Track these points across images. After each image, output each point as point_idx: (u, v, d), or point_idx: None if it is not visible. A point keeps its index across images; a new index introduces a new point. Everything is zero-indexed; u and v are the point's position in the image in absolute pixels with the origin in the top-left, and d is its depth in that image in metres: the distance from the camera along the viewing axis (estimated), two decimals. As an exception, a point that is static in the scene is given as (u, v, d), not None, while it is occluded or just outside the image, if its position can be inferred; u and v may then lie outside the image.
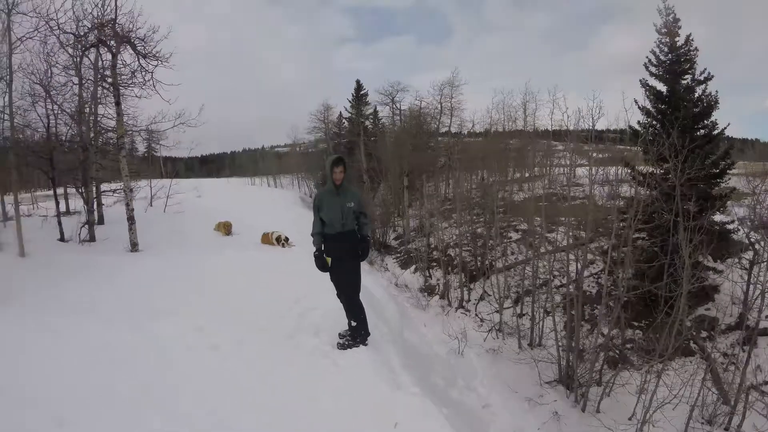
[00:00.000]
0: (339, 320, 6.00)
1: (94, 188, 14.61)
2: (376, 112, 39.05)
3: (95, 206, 14.36)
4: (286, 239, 13.38)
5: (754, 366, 10.35)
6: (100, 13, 11.75)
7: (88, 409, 3.93)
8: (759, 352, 10.71)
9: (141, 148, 30.90)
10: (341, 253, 5.48)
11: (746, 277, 11.91)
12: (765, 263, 10.79)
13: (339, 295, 5.72)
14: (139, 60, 12.13)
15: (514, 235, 19.38)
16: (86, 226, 12.55)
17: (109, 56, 12.17)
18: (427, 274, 19.10)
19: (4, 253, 9.98)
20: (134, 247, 11.64)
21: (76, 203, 15.82)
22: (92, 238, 12.52)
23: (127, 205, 11.97)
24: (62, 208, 14.90)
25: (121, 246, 11.58)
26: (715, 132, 13.89)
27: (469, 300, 16.56)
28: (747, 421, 8.44)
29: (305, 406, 4.35)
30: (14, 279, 8.13)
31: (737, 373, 9.95)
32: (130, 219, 11.78)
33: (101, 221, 14.87)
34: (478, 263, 18.07)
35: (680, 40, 14.22)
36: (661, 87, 14.62)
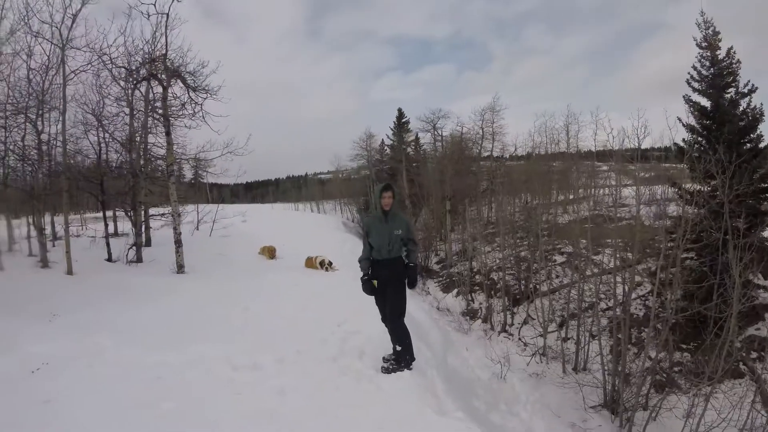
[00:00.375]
0: (382, 345, 6.04)
1: (143, 212, 15.18)
2: (417, 138, 39.48)
3: (143, 229, 14.90)
4: (330, 263, 13.54)
5: (805, 387, 9.82)
6: (151, 49, 12.42)
7: (131, 427, 4.05)
8: (809, 373, 10.16)
9: (188, 174, 32.02)
10: (387, 277, 5.59)
11: (797, 295, 11.37)
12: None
13: (383, 320, 5.80)
14: (189, 93, 12.72)
15: (559, 258, 19.00)
16: (134, 247, 13.02)
17: (159, 89, 12.79)
18: (470, 298, 18.90)
19: (52, 270, 10.45)
20: (180, 269, 12.01)
21: (125, 226, 16.47)
22: (139, 260, 12.99)
23: (175, 228, 12.40)
24: (111, 230, 15.52)
25: (168, 268, 11.95)
26: (762, 145, 13.40)
27: (512, 324, 16.28)
28: (798, 444, 7.97)
29: (347, 427, 4.36)
30: (61, 296, 8.50)
31: (788, 395, 9.46)
32: (177, 242, 12.18)
33: (148, 243, 15.42)
34: (522, 287, 17.79)
35: (721, 53, 13.84)
36: (705, 102, 14.23)
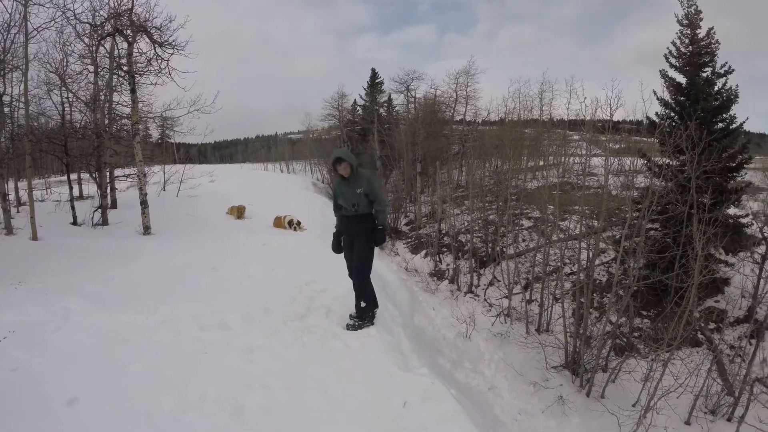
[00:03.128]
0: (349, 303, 6.12)
1: (108, 173, 14.77)
2: (390, 99, 39.12)
3: (108, 191, 14.52)
4: (298, 223, 13.47)
5: (760, 359, 10.34)
6: (116, 3, 11.85)
7: (99, 389, 4.02)
8: (766, 346, 10.69)
9: (155, 134, 31.24)
10: (355, 234, 5.70)
11: (758, 271, 11.83)
12: (777, 258, 10.74)
13: (350, 275, 5.86)
14: (155, 48, 12.20)
15: (526, 223, 19.35)
16: (99, 210, 12.71)
17: (125, 45, 12.28)
18: (438, 260, 19.13)
19: (16, 237, 10.13)
20: (147, 230, 11.77)
21: (90, 188, 16.05)
22: (105, 222, 12.70)
23: (140, 189, 12.09)
24: (75, 193, 15.14)
25: (134, 230, 11.69)
26: (734, 126, 13.68)
27: (478, 285, 16.59)
28: (750, 412, 8.43)
29: (315, 385, 4.42)
30: (26, 263, 8.25)
31: (743, 366, 9.95)
32: (143, 203, 11.90)
33: (114, 205, 15.08)
34: (489, 249, 18.08)
35: (702, 32, 13.95)
36: (681, 79, 14.39)
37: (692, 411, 9.24)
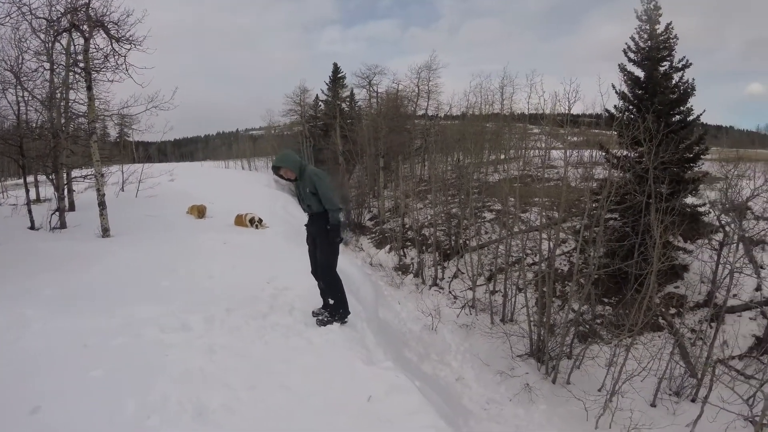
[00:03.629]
0: (312, 300, 6.03)
1: (65, 175, 14.25)
2: (352, 94, 38.94)
3: (66, 193, 14.02)
4: (260, 220, 13.23)
5: (720, 341, 10.69)
6: None
7: (62, 396, 3.88)
8: (726, 329, 11.04)
9: (113, 133, 30.30)
10: (314, 231, 5.68)
11: (715, 258, 12.21)
12: (734, 245, 11.09)
13: (313, 272, 5.82)
14: (112, 44, 11.76)
15: (488, 215, 19.54)
16: (57, 213, 12.26)
17: (81, 41, 11.80)
18: (402, 254, 19.17)
19: None
20: (105, 232, 11.33)
21: (47, 191, 15.46)
22: (63, 225, 12.22)
23: (98, 190, 11.63)
24: (32, 195, 14.58)
25: (93, 232, 11.28)
26: (690, 118, 14.04)
27: (442, 278, 16.69)
28: (714, 393, 8.68)
29: (278, 382, 4.33)
30: None
31: (704, 348, 10.27)
32: (101, 204, 11.44)
33: (72, 208, 14.54)
34: (452, 242, 18.20)
35: (660, 28, 14.25)
36: (639, 73, 14.68)
37: (657, 393, 9.49)
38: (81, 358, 4.52)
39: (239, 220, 13.37)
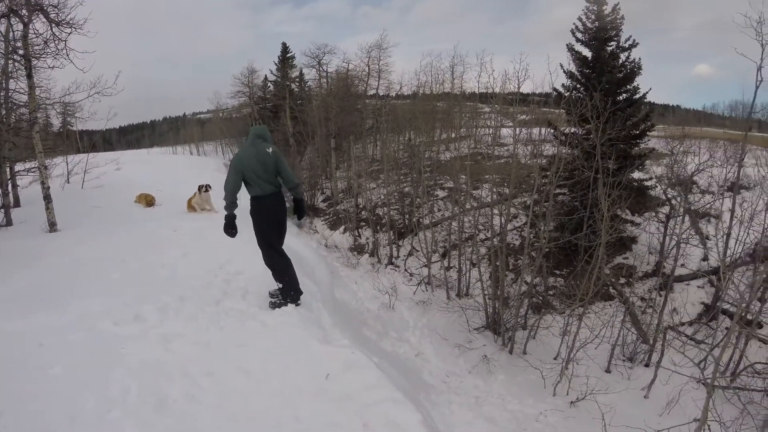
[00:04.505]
0: (266, 283, 6.00)
1: (8, 169, 13.54)
2: (302, 74, 38.17)
3: (10, 188, 13.33)
4: (208, 186, 12.78)
5: (670, 309, 11.22)
6: None
7: (22, 399, 3.81)
8: (675, 297, 11.60)
9: (56, 122, 28.79)
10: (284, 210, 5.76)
11: (663, 230, 12.74)
12: (680, 217, 11.57)
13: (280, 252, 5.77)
14: (51, 28, 11.16)
15: (441, 193, 19.72)
16: (1, 209, 11.67)
17: (20, 26, 11.15)
18: (357, 234, 19.15)
19: None
20: (52, 227, 10.84)
21: None
22: (9, 222, 11.62)
23: (43, 183, 11.09)
24: None
25: (39, 227, 10.80)
26: (637, 96, 14.48)
27: (398, 256, 16.79)
28: (665, 358, 9.11)
29: (235, 366, 4.36)
30: None
31: (655, 316, 10.74)
32: (47, 198, 10.91)
33: (17, 203, 13.82)
34: (406, 221, 18.31)
35: (607, 9, 14.56)
36: (587, 53, 15.01)
37: (611, 360, 9.92)
38: (38, 357, 4.46)
39: (190, 205, 12.99)
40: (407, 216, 18.49)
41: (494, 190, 15.72)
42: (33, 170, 14.29)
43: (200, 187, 12.61)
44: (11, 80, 13.22)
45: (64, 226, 10.83)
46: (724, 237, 10.89)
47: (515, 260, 14.43)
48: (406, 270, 15.87)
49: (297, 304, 5.68)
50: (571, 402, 8.58)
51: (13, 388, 3.96)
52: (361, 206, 20.59)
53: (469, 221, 14.91)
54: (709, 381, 5.35)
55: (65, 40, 11.20)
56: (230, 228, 5.53)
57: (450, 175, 18.89)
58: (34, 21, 10.95)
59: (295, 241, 10.09)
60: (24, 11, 10.76)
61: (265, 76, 40.51)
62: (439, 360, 10.39)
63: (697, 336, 10.69)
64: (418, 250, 16.48)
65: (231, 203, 5.43)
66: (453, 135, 27.25)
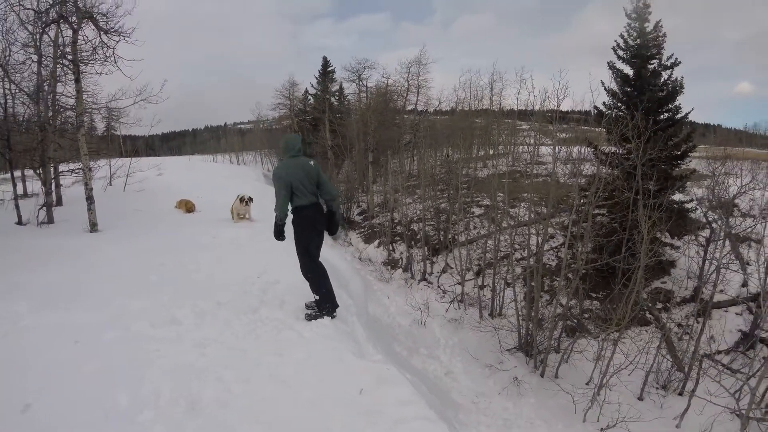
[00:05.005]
0: (303, 293, 6.00)
1: (52, 169, 14.01)
2: (342, 89, 38.64)
3: (53, 187, 13.76)
4: (250, 198, 13.01)
5: (707, 336, 10.85)
6: None
7: (53, 393, 3.87)
8: (712, 324, 11.19)
9: (100, 126, 29.82)
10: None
11: (702, 254, 12.37)
12: (721, 241, 11.22)
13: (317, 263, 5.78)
14: (100, 36, 11.60)
15: (477, 210, 19.59)
16: (44, 208, 12.10)
17: (69, 33, 11.62)
18: (391, 248, 19.19)
19: None
20: (93, 227, 11.20)
21: (34, 185, 15.22)
22: (50, 220, 12.05)
23: (86, 184, 11.47)
24: (20, 190, 14.32)
25: (80, 227, 11.17)
26: (678, 116, 14.11)
27: (431, 273, 16.74)
28: (700, 386, 8.82)
29: (269, 374, 4.35)
30: None
31: (691, 343, 10.43)
32: (89, 199, 11.29)
33: (60, 202, 14.30)
34: (441, 237, 18.25)
35: (649, 26, 14.32)
36: (628, 70, 14.76)
37: (644, 387, 9.63)
38: (72, 353, 4.51)
39: (232, 211, 13.14)
40: (442, 232, 18.43)
41: (532, 209, 15.52)
42: (77, 171, 14.78)
43: (242, 199, 12.83)
44: (59, 84, 13.74)
45: (105, 227, 11.16)
46: (765, 263, 10.49)
47: (551, 281, 14.21)
48: (439, 287, 15.79)
49: (333, 317, 5.68)
50: (602, 429, 8.40)
51: (44, 382, 4.02)
52: (396, 221, 20.62)
53: (505, 240, 14.74)
54: (744, 412, 5.15)
55: (113, 48, 11.62)
56: (280, 234, 5.62)
57: (487, 193, 18.78)
58: (84, 28, 11.40)
59: (331, 253, 10.16)
60: (74, 18, 11.21)
61: (306, 89, 41.15)
62: (468, 379, 10.27)
63: (734, 365, 10.29)
64: (452, 267, 16.39)
65: (284, 215, 5.48)
66: (491, 152, 27.13)
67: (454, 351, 11.50)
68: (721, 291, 11.87)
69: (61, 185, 14.99)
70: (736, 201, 13.91)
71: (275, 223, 5.53)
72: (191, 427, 3.64)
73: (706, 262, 12.00)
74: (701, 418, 8.07)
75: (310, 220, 5.57)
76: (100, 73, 12.18)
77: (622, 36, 14.71)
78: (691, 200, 14.49)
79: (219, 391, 4.06)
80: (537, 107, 14.02)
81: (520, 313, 11.76)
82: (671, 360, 10.16)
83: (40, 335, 4.89)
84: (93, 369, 4.24)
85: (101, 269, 7.59)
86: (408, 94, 32.49)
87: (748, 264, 12.78)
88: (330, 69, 38.55)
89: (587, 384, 9.68)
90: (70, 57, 11.74)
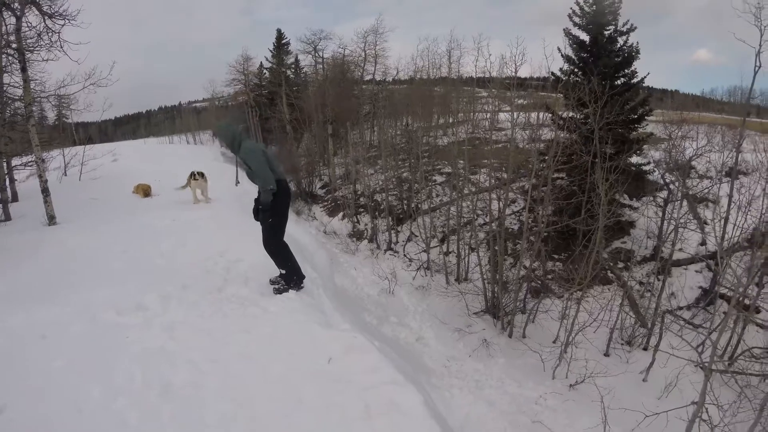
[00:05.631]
0: (267, 269, 6.02)
1: (5, 164, 13.45)
2: (297, 61, 37.82)
3: (7, 183, 13.26)
4: (200, 174, 12.71)
5: (668, 293, 11.33)
6: None
7: (26, 392, 3.82)
8: (673, 281, 11.70)
9: (51, 115, 28.66)
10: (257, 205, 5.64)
11: (661, 214, 12.80)
12: (678, 201, 11.63)
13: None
14: (44, 21, 11.05)
15: (439, 178, 19.76)
16: (0, 205, 11.64)
17: (13, 20, 11.02)
18: (355, 220, 19.20)
19: None
20: (51, 220, 10.79)
21: None
22: (7, 217, 11.58)
23: (40, 176, 11.01)
24: None
25: (39, 221, 10.76)
26: (635, 81, 14.40)
27: (397, 242, 16.87)
28: (663, 341, 9.18)
29: (238, 352, 4.38)
30: None
31: (653, 300, 10.85)
32: (45, 191, 10.84)
33: (15, 198, 13.74)
34: (405, 206, 18.36)
35: (605, -7, 14.43)
36: (584, 36, 14.90)
37: (609, 343, 10.03)
38: (40, 350, 4.46)
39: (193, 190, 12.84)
40: (406, 201, 18.54)
41: (492, 174, 15.73)
42: (30, 164, 14.19)
43: (192, 175, 12.51)
44: (5, 74, 13.13)
45: (63, 218, 10.80)
46: (722, 222, 10.92)
47: (514, 245, 14.51)
48: (405, 255, 15.94)
49: (300, 288, 5.72)
50: (570, 385, 8.69)
51: (16, 382, 3.96)
52: (359, 192, 20.59)
53: (468, 206, 14.93)
54: (707, 365, 5.40)
55: (59, 32, 11.12)
56: (271, 211, 5.46)
57: (448, 160, 18.91)
58: (27, 14, 10.85)
59: (294, 228, 10.10)
60: (16, 4, 10.65)
61: (261, 63, 40.16)
62: (439, 344, 10.48)
63: (695, 320, 10.80)
64: (417, 236, 16.53)
65: (274, 189, 5.30)
66: (450, 120, 27.20)
67: (423, 317, 11.69)
68: (680, 249, 12.38)
69: (16, 180, 14.42)
70: (693, 163, 14.37)
71: (264, 201, 5.38)
72: (166, 410, 3.67)
73: (665, 222, 12.44)
74: (666, 371, 8.42)
75: (286, 194, 5.57)
76: (47, 60, 11.66)
77: (577, 2, 14.79)
78: (649, 162, 14.91)
79: (190, 373, 4.09)
80: (495, 74, 14.01)
81: (485, 276, 11.99)
82: (634, 316, 10.57)
83: (6, 335, 4.75)
84: (63, 363, 4.19)
85: (63, 262, 7.38)
86: (365, 64, 32.09)
87: (705, 223, 13.30)
88: (285, 41, 37.57)
89: (554, 342, 10.00)
90: (14, 45, 11.19)
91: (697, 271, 12.36)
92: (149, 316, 5.10)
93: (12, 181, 14.05)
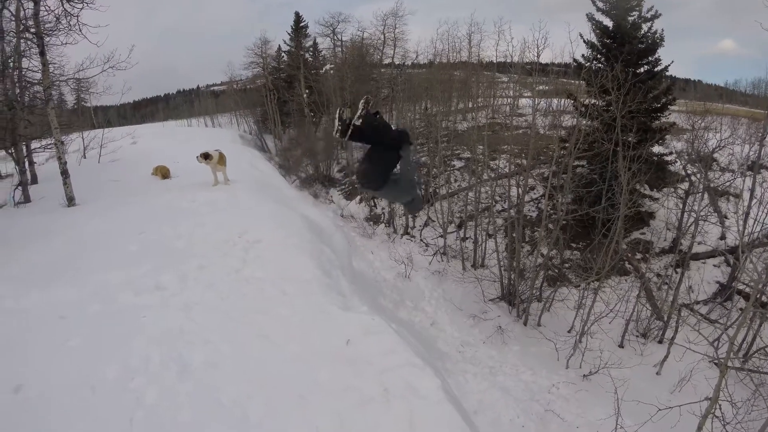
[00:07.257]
0: (286, 250, 6.12)
1: (25, 147, 13.59)
2: (315, 44, 37.60)
3: (27, 165, 13.37)
4: (206, 155, 12.48)
5: (686, 286, 11.21)
6: None
7: (43, 371, 3.89)
8: (691, 275, 11.57)
9: (70, 99, 28.90)
10: None
11: (681, 206, 12.62)
12: (699, 194, 11.46)
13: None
14: (63, 4, 11.08)
15: (458, 163, 19.64)
16: (20, 187, 11.78)
17: (31, 5, 11.06)
18: (372, 204, 19.19)
19: None
20: (71, 201, 10.92)
21: (7, 166, 14.76)
22: (27, 199, 11.71)
23: (59, 158, 11.11)
24: None
25: (58, 203, 10.89)
26: (658, 69, 14.10)
27: (414, 226, 16.86)
28: (679, 335, 9.13)
29: (255, 332, 4.43)
30: None
31: (670, 293, 10.77)
32: (64, 173, 10.96)
33: (35, 180, 13.87)
34: (422, 191, 18.27)
35: (630, -23, 14.11)
36: (608, 22, 14.60)
37: (624, 334, 10.01)
38: (58, 330, 4.52)
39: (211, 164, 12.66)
40: (423, 186, 18.46)
41: (512, 161, 15.61)
42: (49, 146, 14.31)
43: (205, 156, 12.22)
44: (24, 59, 13.23)
45: (82, 200, 10.93)
46: (743, 216, 10.76)
47: (532, 232, 14.44)
48: (421, 240, 15.94)
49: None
50: (584, 375, 8.72)
51: (33, 361, 4.04)
52: (377, 175, 20.50)
53: (486, 192, 14.85)
54: (722, 360, 5.37)
55: (77, 16, 11.14)
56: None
57: (467, 145, 18.79)
58: (45, -2, 10.91)
59: (312, 211, 10.14)
60: None
61: (279, 46, 39.98)
62: (454, 329, 10.54)
63: (712, 315, 10.70)
64: (434, 221, 16.50)
65: None
66: (470, 104, 26.96)
67: (438, 302, 11.72)
68: (700, 243, 12.22)
69: (35, 162, 14.58)
70: (715, 155, 14.12)
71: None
72: (184, 389, 3.75)
73: (685, 214, 12.27)
74: (680, 365, 8.42)
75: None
76: (66, 44, 11.66)
77: (601, -14, 14.49)
78: (671, 153, 14.66)
79: (208, 353, 4.16)
80: (516, 58, 13.82)
81: (502, 263, 11.99)
82: (651, 309, 10.52)
83: (24, 315, 4.83)
84: (79, 343, 4.27)
85: (81, 243, 7.47)
86: (384, 48, 31.82)
87: (726, 217, 13.10)
88: (303, 24, 37.34)
89: (569, 332, 10.02)
90: (33, 30, 11.23)
91: (715, 266, 12.22)
92: (166, 297, 5.18)
93: (31, 163, 14.22)
